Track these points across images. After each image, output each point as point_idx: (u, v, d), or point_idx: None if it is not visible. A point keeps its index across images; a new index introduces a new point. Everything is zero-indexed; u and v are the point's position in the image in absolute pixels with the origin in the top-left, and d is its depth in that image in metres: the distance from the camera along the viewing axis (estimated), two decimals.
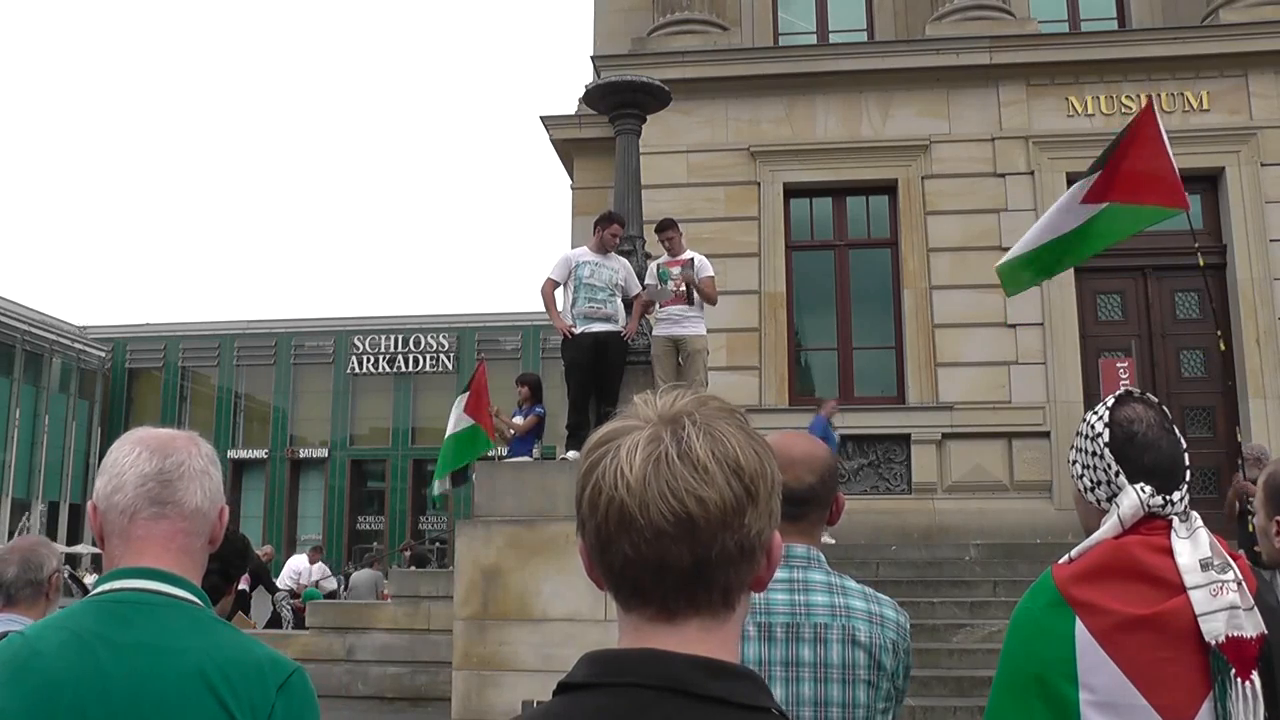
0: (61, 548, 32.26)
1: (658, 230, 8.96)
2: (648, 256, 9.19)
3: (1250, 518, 2.45)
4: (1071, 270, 12.33)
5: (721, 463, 0.98)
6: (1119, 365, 12.37)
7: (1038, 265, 8.45)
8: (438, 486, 12.19)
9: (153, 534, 1.57)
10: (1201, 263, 8.88)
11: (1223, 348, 9.79)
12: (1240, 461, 8.83)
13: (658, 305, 8.82)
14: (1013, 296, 9.99)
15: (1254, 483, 2.44)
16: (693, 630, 0.99)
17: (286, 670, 1.53)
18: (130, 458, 1.59)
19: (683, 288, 8.73)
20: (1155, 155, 7.61)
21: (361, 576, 16.92)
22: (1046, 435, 12.35)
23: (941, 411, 12.56)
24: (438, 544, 20.73)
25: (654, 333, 8.80)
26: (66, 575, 3.86)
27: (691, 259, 8.84)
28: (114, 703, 1.43)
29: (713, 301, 8.82)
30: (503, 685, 7.26)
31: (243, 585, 12.44)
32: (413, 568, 16.07)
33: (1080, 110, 13.13)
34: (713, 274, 8.91)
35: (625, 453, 0.98)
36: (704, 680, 0.96)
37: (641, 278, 8.70)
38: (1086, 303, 12.82)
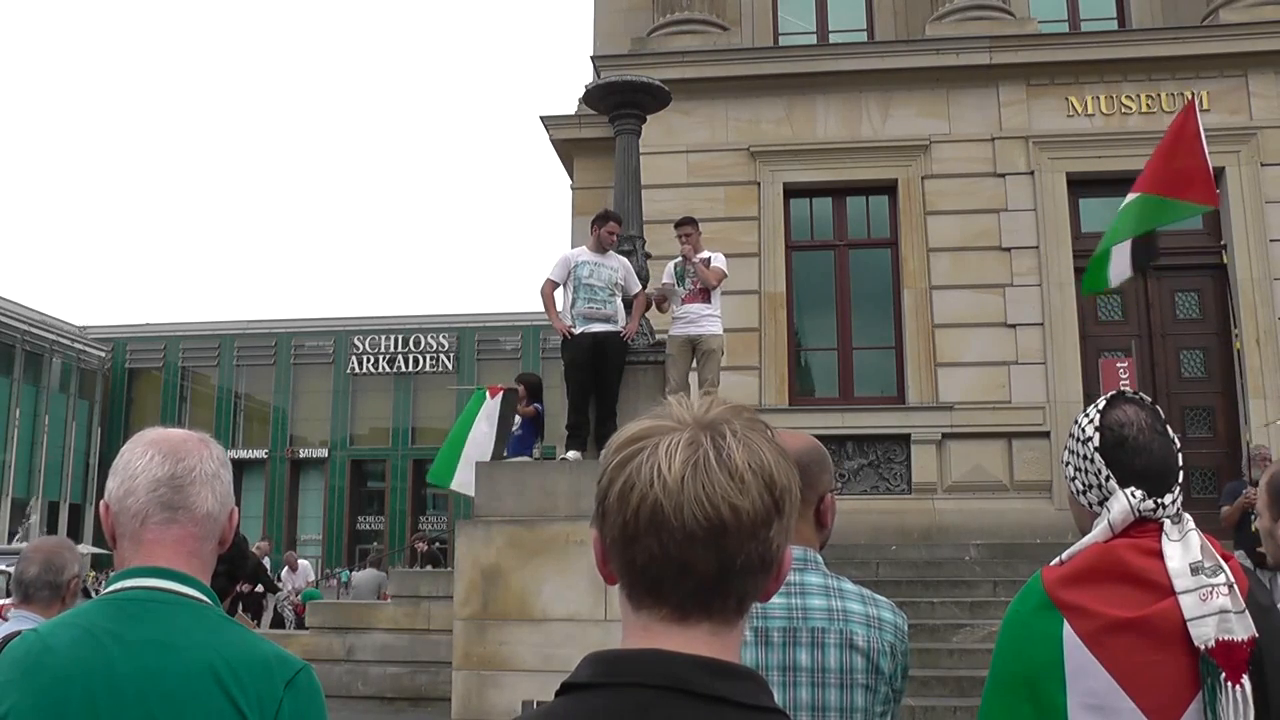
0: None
1: (677, 225, 9.00)
2: (648, 256, 9.22)
3: (1254, 519, 2.45)
4: (1071, 271, 12.36)
5: (758, 474, 0.99)
6: (1119, 365, 12.37)
7: (1101, 256, 8.60)
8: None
9: (163, 538, 1.59)
10: (1224, 259, 8.93)
11: (1238, 346, 9.88)
12: (1247, 462, 8.84)
13: (675, 305, 8.85)
14: (1088, 294, 10.09)
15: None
16: (702, 634, 1.00)
17: (294, 667, 1.55)
18: (142, 461, 1.61)
19: (698, 286, 8.78)
20: (1193, 153, 7.76)
21: (363, 576, 16.99)
22: (1046, 435, 12.36)
23: (941, 411, 12.57)
24: (436, 544, 20.69)
25: (671, 332, 8.84)
26: (87, 583, 3.89)
27: (709, 258, 8.88)
28: (124, 698, 1.45)
29: (710, 285, 8.81)
30: (503, 685, 7.27)
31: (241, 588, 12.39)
32: (417, 567, 16.07)
33: (1080, 110, 13.14)
34: (724, 268, 8.96)
35: (664, 452, 0.98)
36: (707, 680, 0.96)
37: (642, 278, 8.72)
38: (1086, 303, 12.81)
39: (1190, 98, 8.20)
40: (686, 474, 0.97)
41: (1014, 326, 12.71)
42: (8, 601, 3.19)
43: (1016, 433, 12.47)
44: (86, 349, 45.72)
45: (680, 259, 8.89)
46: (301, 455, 44.65)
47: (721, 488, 0.97)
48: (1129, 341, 12.90)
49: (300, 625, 14.20)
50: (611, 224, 8.31)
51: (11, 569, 3.31)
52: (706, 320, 8.76)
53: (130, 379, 47.05)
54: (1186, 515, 1.86)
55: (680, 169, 13.35)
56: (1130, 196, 8.19)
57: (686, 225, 8.95)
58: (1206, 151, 7.85)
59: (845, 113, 13.43)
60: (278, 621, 16.23)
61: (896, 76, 13.30)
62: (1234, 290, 12.53)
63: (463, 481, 10.89)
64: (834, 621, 2.08)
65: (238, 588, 2.86)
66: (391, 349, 44.69)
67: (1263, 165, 12.72)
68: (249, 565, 3.10)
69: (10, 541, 29.95)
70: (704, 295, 8.80)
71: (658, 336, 8.96)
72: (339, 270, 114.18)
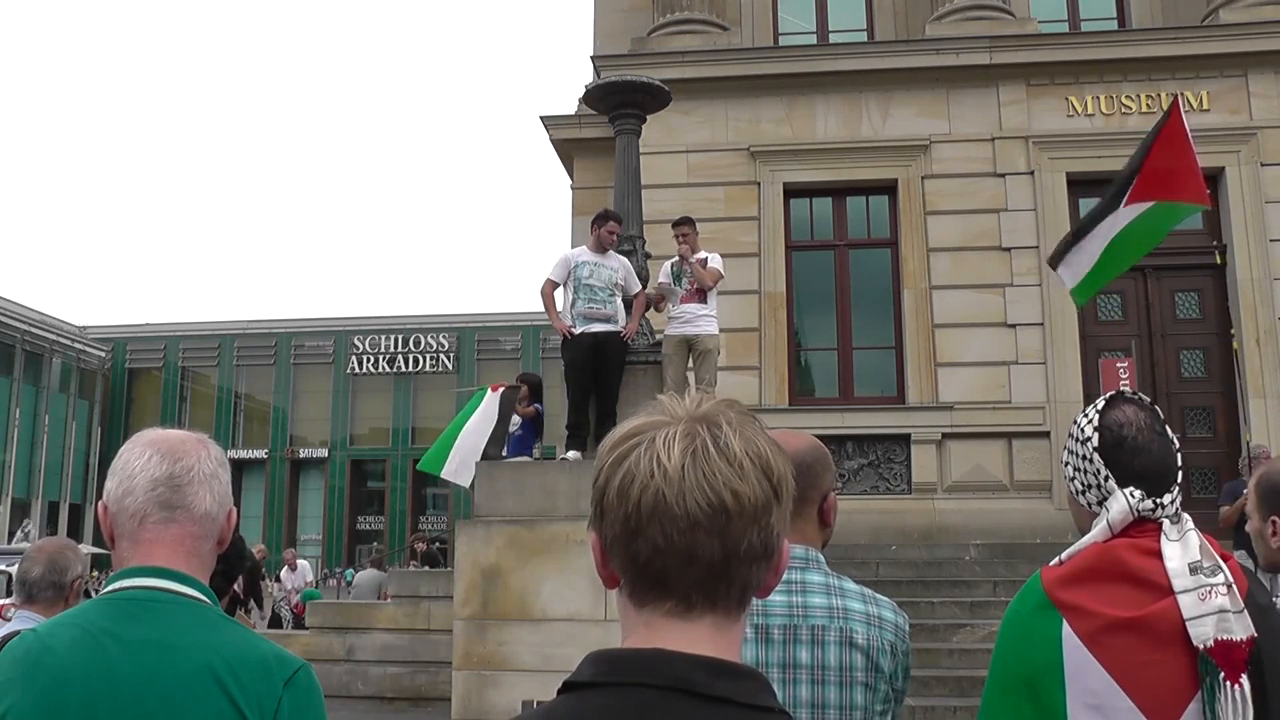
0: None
1: (674, 225, 9.01)
2: (648, 256, 9.23)
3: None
4: None
5: (755, 461, 1.00)
6: (1119, 365, 12.37)
7: (1105, 270, 8.52)
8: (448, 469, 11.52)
9: (162, 537, 1.59)
10: (1219, 260, 8.90)
11: (1236, 346, 9.92)
12: (1248, 463, 8.83)
13: (673, 304, 8.86)
14: (1083, 305, 10.02)
15: None
16: (705, 628, 1.00)
17: (293, 666, 1.55)
18: (140, 461, 1.61)
19: (695, 286, 8.79)
20: (1181, 153, 7.76)
21: (364, 577, 16.99)
22: (1046, 435, 12.36)
23: (941, 411, 12.57)
24: (436, 544, 20.72)
25: (667, 331, 8.86)
26: (88, 583, 3.90)
27: (706, 258, 8.89)
28: (123, 698, 1.45)
29: (706, 285, 8.83)
30: (503, 685, 7.27)
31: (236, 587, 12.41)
32: (413, 566, 16.08)
33: (1080, 110, 13.14)
34: (720, 269, 8.97)
35: (662, 444, 1.00)
36: (709, 680, 0.97)
37: (643, 278, 8.72)
38: (1086, 303, 12.81)
39: (1175, 99, 8.17)
40: (686, 462, 0.98)
41: (1014, 326, 12.72)
42: (9, 601, 3.20)
43: (1016, 433, 12.48)
44: (86, 349, 45.74)
45: (677, 259, 8.90)
46: (301, 455, 44.68)
47: (722, 474, 0.98)
48: (1129, 341, 12.90)
49: (299, 625, 14.19)
50: (611, 224, 8.31)
51: (13, 569, 3.32)
52: (703, 320, 8.78)
53: (130, 379, 47.08)
54: (1185, 515, 1.86)
55: (680, 169, 13.35)
56: (1141, 207, 8.11)
57: (684, 225, 8.97)
58: (1195, 151, 7.86)
59: (845, 113, 13.43)
60: (276, 622, 16.23)
61: (896, 76, 13.30)
62: (1234, 290, 12.53)
63: (453, 470, 10.84)
64: (834, 619, 2.08)
65: (234, 587, 2.87)
66: (391, 349, 44.72)
67: (1263, 165, 12.72)
68: (245, 565, 3.10)
69: (10, 541, 29.97)
70: (700, 295, 8.82)
71: (657, 336, 8.97)
72: (339, 270, 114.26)
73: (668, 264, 9.00)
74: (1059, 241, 9.12)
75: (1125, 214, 8.19)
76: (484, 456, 9.59)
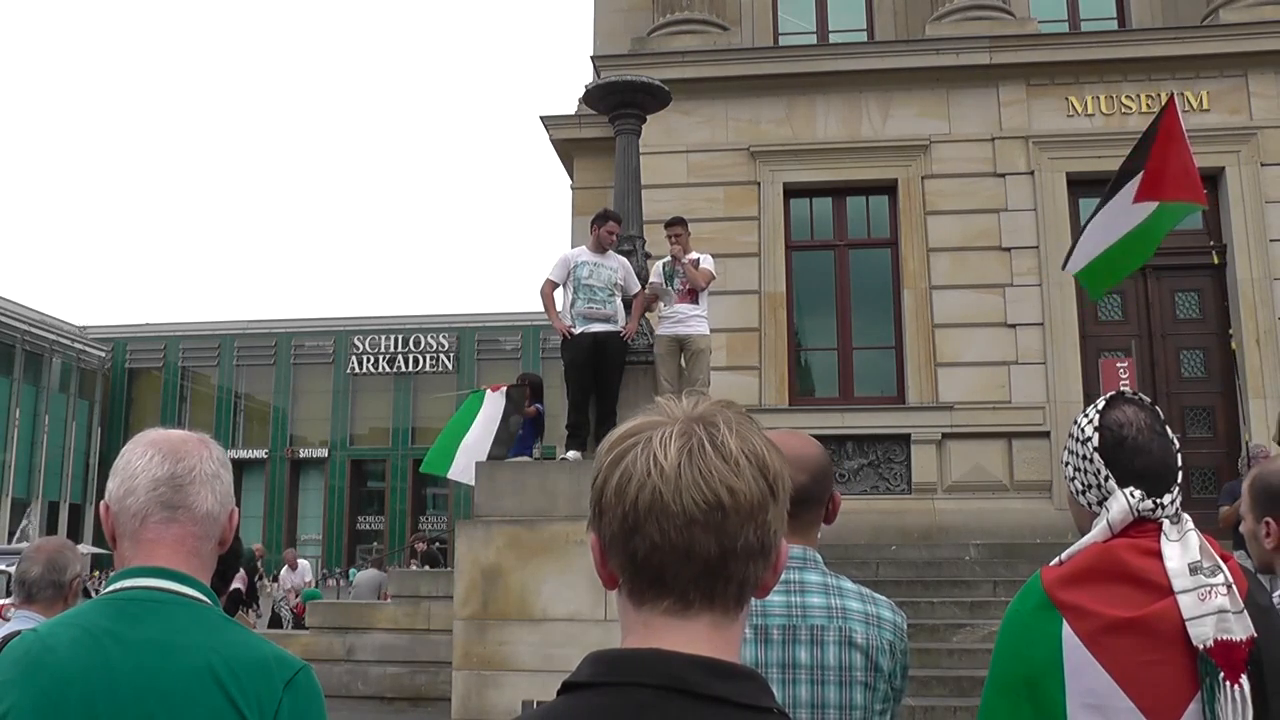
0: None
1: (667, 225, 8.98)
2: (648, 256, 9.22)
3: None
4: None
5: (751, 459, 1.02)
6: (1119, 365, 12.37)
7: (1117, 265, 8.51)
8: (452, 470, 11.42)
9: (163, 537, 1.59)
10: (1216, 260, 8.90)
11: (1234, 346, 9.94)
12: (1248, 463, 8.83)
13: (666, 304, 8.83)
14: (1099, 298, 10.04)
15: None
16: (703, 627, 1.01)
17: (293, 668, 1.55)
18: (142, 461, 1.61)
19: (686, 287, 8.76)
20: (1179, 152, 7.78)
21: (364, 576, 16.99)
22: (1046, 435, 12.36)
23: (941, 411, 12.57)
24: (436, 544, 20.72)
25: (658, 331, 8.82)
26: (87, 583, 3.93)
27: (698, 259, 8.87)
28: (122, 698, 1.45)
29: (698, 286, 8.79)
30: (503, 685, 7.27)
31: (237, 584, 12.46)
32: (413, 566, 16.08)
33: (1080, 110, 13.14)
34: (712, 269, 8.92)
35: (659, 442, 1.01)
36: (707, 680, 0.97)
37: (642, 278, 8.71)
38: (1086, 302, 12.81)
39: (1171, 96, 8.18)
40: (683, 460, 1.00)
41: (1014, 326, 12.72)
42: (8, 601, 3.21)
43: (1016, 433, 12.47)
44: (86, 349, 45.75)
45: (669, 259, 8.87)
46: (301, 455, 44.69)
47: (718, 471, 1.00)
48: (1129, 341, 12.90)
49: (299, 625, 14.19)
50: (611, 224, 8.31)
51: (12, 569, 3.33)
52: (694, 320, 8.74)
53: (130, 379, 47.09)
54: (1185, 515, 1.86)
55: (680, 169, 13.35)
56: (1150, 206, 8.10)
57: (677, 225, 8.94)
58: (1191, 150, 7.88)
59: (845, 113, 13.43)
60: (276, 621, 16.24)
61: (896, 76, 13.30)
62: (1234, 290, 12.53)
63: (459, 470, 10.78)
64: (833, 619, 2.09)
65: (234, 586, 2.87)
66: (391, 349, 44.73)
67: (1263, 165, 12.72)
68: (242, 564, 3.12)
69: (11, 541, 29.97)
70: (692, 296, 8.77)
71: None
72: (339, 270, 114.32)
73: (659, 264, 8.93)
74: (1070, 249, 9.12)
75: (1135, 211, 8.20)
76: (490, 456, 9.58)
